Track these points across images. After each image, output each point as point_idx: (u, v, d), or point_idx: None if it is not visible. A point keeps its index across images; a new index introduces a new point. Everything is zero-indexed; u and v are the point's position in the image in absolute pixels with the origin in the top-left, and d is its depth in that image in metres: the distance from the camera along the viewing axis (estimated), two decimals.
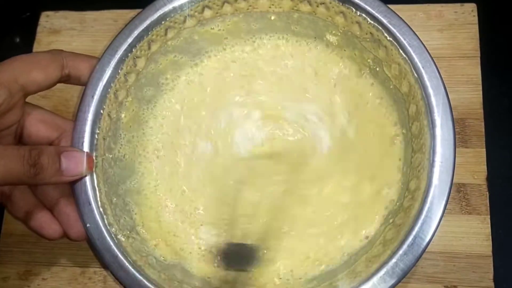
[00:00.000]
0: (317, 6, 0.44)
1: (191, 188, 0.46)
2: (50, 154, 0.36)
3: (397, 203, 0.42)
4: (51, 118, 0.41)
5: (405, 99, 0.42)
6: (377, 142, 0.44)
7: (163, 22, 0.44)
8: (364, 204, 0.43)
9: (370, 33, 0.43)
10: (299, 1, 0.44)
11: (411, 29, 0.41)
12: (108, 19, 0.54)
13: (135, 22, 0.43)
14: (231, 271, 0.43)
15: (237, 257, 0.43)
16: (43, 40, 0.54)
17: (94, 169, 0.40)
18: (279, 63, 0.48)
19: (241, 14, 0.46)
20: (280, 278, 0.43)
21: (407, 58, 0.41)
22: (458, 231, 0.45)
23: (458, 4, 0.50)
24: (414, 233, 0.37)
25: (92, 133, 0.41)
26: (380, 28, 0.42)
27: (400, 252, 0.37)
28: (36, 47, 0.54)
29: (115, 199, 0.42)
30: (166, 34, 0.45)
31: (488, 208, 0.45)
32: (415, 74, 0.40)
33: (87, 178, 0.40)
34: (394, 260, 0.37)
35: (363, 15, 0.42)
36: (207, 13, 0.45)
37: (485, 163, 0.46)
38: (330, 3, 0.43)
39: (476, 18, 0.49)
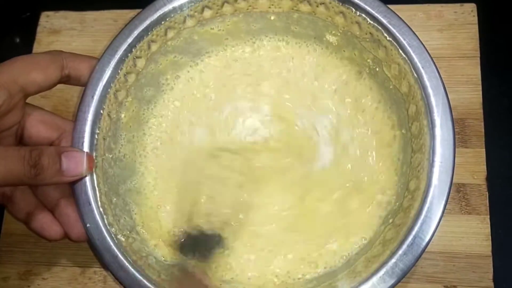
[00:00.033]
0: (317, 6, 0.44)
1: (191, 187, 0.46)
2: (50, 154, 0.36)
3: (396, 204, 0.42)
4: (51, 119, 0.41)
5: (404, 99, 0.42)
6: (373, 147, 0.45)
7: (163, 22, 0.44)
8: (353, 212, 0.43)
9: (370, 33, 0.43)
10: (299, 1, 0.44)
11: (410, 29, 0.41)
12: (108, 19, 0.54)
13: (135, 22, 0.43)
14: (191, 259, 0.43)
15: (197, 244, 0.43)
16: (43, 40, 0.54)
17: (94, 169, 0.40)
18: (280, 65, 0.48)
19: (241, 14, 0.46)
20: (278, 278, 0.43)
21: (406, 58, 0.41)
22: (458, 231, 0.45)
23: (458, 4, 0.50)
24: (413, 233, 0.37)
25: (92, 133, 0.41)
26: (380, 28, 0.42)
27: (400, 252, 0.37)
28: (36, 47, 0.54)
29: (115, 199, 0.42)
30: (166, 34, 0.45)
31: (488, 208, 0.45)
32: (415, 74, 0.40)
33: (87, 178, 0.40)
34: (393, 260, 0.37)
35: (363, 15, 0.42)
36: (207, 13, 0.45)
37: (485, 163, 0.46)
38: (330, 3, 0.43)
39: (476, 18, 0.49)
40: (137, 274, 0.39)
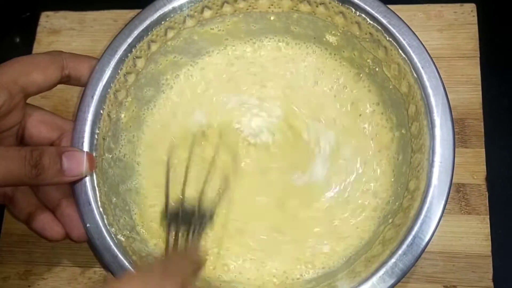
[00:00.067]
0: (317, 6, 0.44)
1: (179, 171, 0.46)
2: (51, 154, 0.37)
3: (395, 204, 0.42)
4: (51, 119, 0.41)
5: (404, 100, 0.42)
6: (369, 151, 0.45)
7: (163, 22, 0.44)
8: (342, 219, 0.44)
9: (370, 33, 0.43)
10: (299, 1, 0.44)
11: (410, 29, 0.41)
12: (108, 19, 0.54)
13: (135, 22, 0.43)
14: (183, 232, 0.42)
15: (184, 217, 0.43)
16: (43, 40, 0.54)
17: (94, 169, 0.40)
18: (282, 66, 0.48)
19: (241, 14, 0.46)
20: (277, 278, 0.43)
21: (406, 58, 0.41)
22: (458, 231, 0.45)
23: (458, 4, 0.50)
24: (413, 233, 0.37)
25: (92, 133, 0.41)
26: (380, 28, 0.42)
27: (400, 252, 0.37)
28: (36, 47, 0.54)
29: (115, 199, 0.42)
30: (166, 34, 0.45)
31: (488, 208, 0.45)
32: (415, 74, 0.41)
33: (87, 179, 0.40)
34: (393, 260, 0.37)
35: (363, 15, 0.42)
36: (207, 13, 0.45)
37: (485, 163, 0.46)
38: (330, 3, 0.43)
39: (476, 18, 0.49)
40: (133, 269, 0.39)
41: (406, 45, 0.41)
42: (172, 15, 0.44)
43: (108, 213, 0.41)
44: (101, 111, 0.42)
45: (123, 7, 0.53)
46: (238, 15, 0.46)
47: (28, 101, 0.39)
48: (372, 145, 0.45)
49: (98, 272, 0.47)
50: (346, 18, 0.43)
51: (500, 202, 0.46)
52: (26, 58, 0.39)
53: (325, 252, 0.43)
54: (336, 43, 0.46)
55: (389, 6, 0.42)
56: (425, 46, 0.41)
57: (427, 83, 0.40)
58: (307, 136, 0.46)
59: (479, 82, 0.48)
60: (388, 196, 0.43)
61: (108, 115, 0.43)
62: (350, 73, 0.46)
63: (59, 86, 0.41)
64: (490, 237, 0.44)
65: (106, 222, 0.40)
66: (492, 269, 0.44)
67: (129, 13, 0.53)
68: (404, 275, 0.37)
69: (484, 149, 0.46)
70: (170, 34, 0.45)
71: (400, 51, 0.41)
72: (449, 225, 0.44)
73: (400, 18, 0.42)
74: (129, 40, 0.43)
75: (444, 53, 0.49)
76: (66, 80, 0.41)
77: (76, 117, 0.41)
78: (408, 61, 0.41)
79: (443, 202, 0.38)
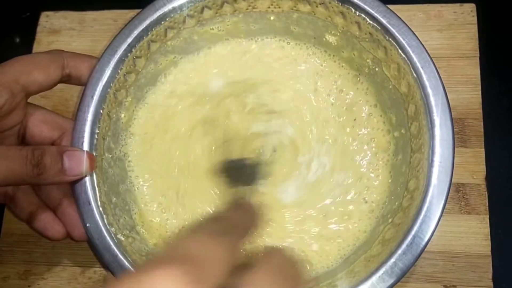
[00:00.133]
0: (317, 6, 0.44)
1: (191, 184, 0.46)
2: (52, 154, 0.37)
3: (395, 204, 0.42)
4: (52, 118, 0.41)
5: (404, 99, 0.42)
6: (365, 158, 0.45)
7: (162, 22, 0.44)
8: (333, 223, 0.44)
9: (369, 33, 0.43)
10: (299, 1, 0.44)
11: (410, 29, 0.41)
12: (108, 19, 0.54)
13: (135, 22, 0.43)
14: (238, 187, 0.43)
15: (241, 172, 0.44)
16: (43, 40, 0.54)
17: (94, 169, 0.41)
18: (283, 67, 0.48)
19: (241, 14, 0.46)
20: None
21: (406, 58, 0.41)
22: (457, 230, 0.45)
23: (458, 4, 0.50)
24: (413, 232, 0.37)
25: (92, 133, 0.41)
26: (379, 28, 0.42)
27: (399, 251, 0.37)
28: (36, 47, 0.54)
29: (114, 198, 0.42)
30: (165, 34, 0.45)
31: (487, 208, 0.45)
32: (414, 74, 0.41)
33: (87, 178, 0.40)
34: (393, 259, 0.37)
35: (362, 15, 0.42)
36: (207, 13, 0.45)
37: (484, 163, 0.46)
38: (330, 3, 0.43)
39: (475, 18, 0.49)
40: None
41: (405, 45, 0.41)
42: (172, 15, 0.44)
43: (108, 213, 0.41)
44: (101, 111, 0.42)
45: (123, 7, 0.53)
46: (238, 15, 0.46)
47: (28, 100, 0.39)
48: (367, 150, 0.45)
49: (98, 272, 0.47)
50: (346, 18, 0.43)
51: (500, 202, 0.46)
52: (27, 57, 0.39)
53: (315, 251, 0.43)
54: (335, 43, 0.46)
55: (388, 6, 0.42)
56: (425, 46, 0.41)
57: (427, 83, 0.40)
58: (302, 158, 0.45)
59: (479, 82, 0.48)
60: (384, 197, 0.43)
61: (108, 115, 0.43)
62: (349, 75, 0.46)
63: (59, 86, 0.41)
64: (489, 236, 0.44)
65: (106, 221, 0.40)
66: (491, 268, 0.44)
67: (129, 13, 0.53)
68: (403, 275, 0.37)
69: (483, 149, 0.46)
70: (170, 34, 0.45)
71: (400, 51, 0.41)
72: (449, 225, 0.45)
73: (400, 18, 0.42)
74: (129, 40, 0.43)
75: (444, 53, 0.49)
76: (67, 79, 0.41)
77: (76, 117, 0.41)
78: (408, 61, 0.41)
79: (442, 202, 0.38)
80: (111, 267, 0.39)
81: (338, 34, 0.45)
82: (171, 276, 0.22)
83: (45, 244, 0.47)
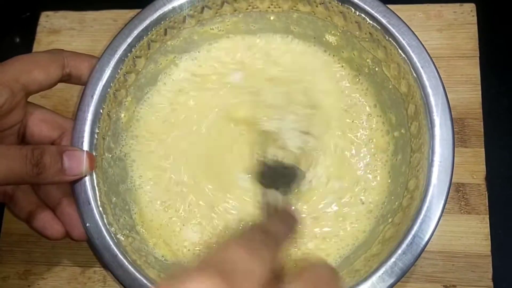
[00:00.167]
0: (316, 6, 0.44)
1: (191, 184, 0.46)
2: (52, 153, 0.37)
3: (395, 204, 0.42)
4: (52, 118, 0.41)
5: (404, 99, 0.42)
6: (365, 155, 0.45)
7: (162, 22, 0.44)
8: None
9: (369, 33, 0.43)
10: (299, 0, 0.44)
11: (410, 29, 0.41)
12: (108, 19, 0.54)
13: (135, 22, 0.43)
14: (278, 190, 0.43)
15: (279, 175, 0.43)
16: (43, 40, 0.54)
17: (94, 169, 0.40)
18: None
19: (241, 14, 0.46)
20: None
21: (406, 58, 0.41)
22: (457, 230, 0.45)
23: (457, 4, 0.50)
24: (413, 232, 0.37)
25: (92, 132, 0.41)
26: (379, 28, 0.42)
27: (399, 251, 0.37)
28: (36, 47, 0.54)
29: (114, 198, 0.42)
30: (165, 34, 0.45)
31: (487, 207, 0.45)
32: (414, 74, 0.41)
33: (87, 178, 0.40)
34: (393, 259, 0.37)
35: (362, 15, 0.42)
36: (207, 13, 0.45)
37: (484, 163, 0.46)
38: (330, 3, 0.43)
39: (475, 18, 0.49)
40: (136, 274, 0.39)
41: (405, 44, 0.41)
42: (172, 15, 0.44)
43: (107, 213, 0.41)
44: (101, 111, 0.42)
45: (123, 7, 0.53)
46: (238, 15, 0.46)
47: (28, 100, 0.39)
48: (366, 151, 0.45)
49: (98, 272, 0.47)
50: (346, 18, 0.43)
51: (500, 201, 0.46)
52: (27, 57, 0.39)
53: (311, 249, 0.43)
54: (335, 43, 0.46)
55: (388, 6, 0.42)
56: (425, 45, 0.41)
57: (427, 83, 0.40)
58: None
59: (479, 81, 0.48)
60: (384, 197, 0.43)
61: (108, 115, 0.43)
62: (349, 76, 0.46)
63: (58, 85, 0.41)
64: (489, 236, 0.44)
65: (105, 221, 0.40)
66: (491, 268, 0.44)
67: (129, 13, 0.53)
68: (403, 275, 0.37)
69: (483, 149, 0.46)
70: (170, 34, 0.45)
71: (400, 51, 0.41)
72: (449, 225, 0.45)
73: (400, 18, 0.42)
74: (129, 40, 0.43)
75: (444, 53, 0.49)
76: (67, 78, 0.41)
77: (76, 117, 0.41)
78: (408, 61, 0.41)
79: (442, 202, 0.38)
80: (111, 267, 0.39)
81: (338, 34, 0.45)
82: (209, 284, 0.23)
83: (45, 244, 0.47)
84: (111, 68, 0.42)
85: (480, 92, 0.47)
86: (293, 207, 0.42)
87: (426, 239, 0.37)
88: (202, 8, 0.45)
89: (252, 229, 0.31)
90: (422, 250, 0.37)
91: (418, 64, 0.40)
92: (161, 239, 0.44)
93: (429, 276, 0.44)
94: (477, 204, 0.45)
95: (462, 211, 0.45)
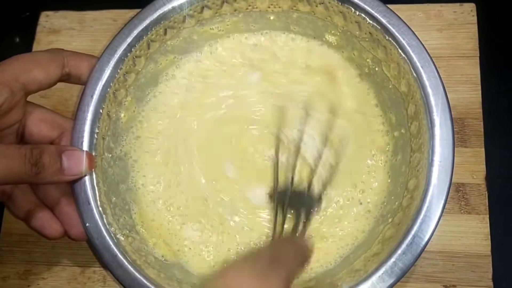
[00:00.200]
0: (316, 6, 0.44)
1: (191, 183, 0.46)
2: (51, 153, 0.37)
3: (395, 204, 0.42)
4: (52, 117, 0.41)
5: (404, 99, 0.42)
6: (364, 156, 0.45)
7: (162, 22, 0.44)
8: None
9: (369, 33, 0.43)
10: (298, 0, 0.44)
11: (410, 28, 0.41)
12: (108, 19, 0.54)
13: (135, 22, 0.43)
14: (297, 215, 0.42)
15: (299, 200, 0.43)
16: (43, 40, 0.54)
17: (94, 169, 0.40)
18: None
19: (240, 14, 0.46)
20: None
21: (406, 58, 0.41)
22: (457, 230, 0.45)
23: (457, 4, 0.50)
24: (413, 232, 0.37)
25: (92, 132, 0.41)
26: (379, 27, 0.42)
27: (399, 251, 0.37)
28: (35, 47, 0.54)
29: (114, 198, 0.42)
30: (165, 34, 0.45)
31: (487, 207, 0.45)
32: (414, 74, 0.41)
33: (87, 178, 0.40)
34: (393, 259, 0.37)
35: (362, 15, 0.42)
36: (206, 13, 0.45)
37: (484, 163, 0.46)
38: (329, 2, 0.43)
39: (475, 18, 0.49)
40: (136, 273, 0.39)
41: (405, 44, 0.41)
42: (171, 15, 0.44)
43: (107, 213, 0.41)
44: (101, 111, 0.42)
45: (123, 6, 0.53)
46: (237, 15, 0.46)
47: (28, 99, 0.39)
48: (365, 152, 0.45)
49: (98, 272, 0.47)
50: (346, 17, 0.43)
51: (500, 201, 0.46)
52: (27, 56, 0.39)
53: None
54: (335, 43, 0.46)
55: (388, 5, 0.42)
56: (425, 45, 0.41)
57: (427, 83, 0.40)
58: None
59: (479, 81, 0.48)
60: (383, 197, 0.43)
61: (108, 115, 0.43)
62: (353, 75, 0.46)
63: (58, 85, 0.40)
64: (489, 236, 0.44)
65: (105, 221, 0.40)
66: (491, 268, 0.44)
67: (128, 13, 0.53)
68: (403, 275, 0.37)
69: (483, 149, 0.46)
70: (170, 33, 0.45)
71: (400, 51, 0.41)
72: (449, 225, 0.44)
73: (400, 17, 0.42)
74: (129, 39, 0.43)
75: (444, 53, 0.49)
76: (66, 78, 0.41)
77: (75, 116, 0.41)
78: (408, 61, 0.41)
79: (442, 202, 0.38)
80: (111, 267, 0.39)
81: (338, 33, 0.45)
82: None
83: (45, 244, 0.47)
84: (110, 68, 0.42)
85: (480, 92, 0.47)
86: (306, 235, 0.42)
87: (426, 239, 0.37)
88: (202, 8, 0.45)
89: (264, 255, 0.30)
90: (422, 250, 0.37)
91: (418, 64, 0.40)
92: (161, 239, 0.44)
93: (429, 276, 0.44)
94: (477, 204, 0.45)
95: (462, 211, 0.45)
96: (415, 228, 0.37)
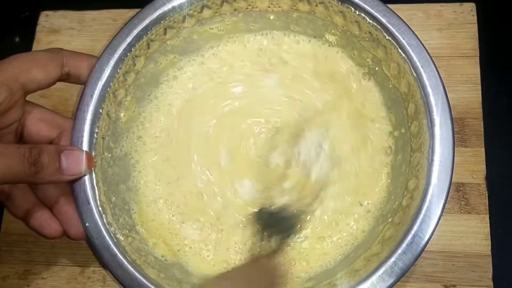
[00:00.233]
0: (316, 6, 0.44)
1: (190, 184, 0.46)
2: (50, 153, 0.36)
3: (395, 204, 0.42)
4: (51, 117, 0.41)
5: (404, 99, 0.42)
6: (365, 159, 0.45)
7: (162, 22, 0.44)
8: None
9: (369, 32, 0.43)
10: (298, 0, 0.44)
11: (410, 28, 0.41)
12: (107, 19, 0.54)
13: (134, 22, 0.43)
14: (272, 238, 0.42)
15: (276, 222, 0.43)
16: (43, 40, 0.54)
17: (93, 168, 0.40)
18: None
19: (240, 14, 0.46)
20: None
21: (406, 58, 0.41)
22: (457, 230, 0.45)
23: (457, 4, 0.50)
24: (413, 232, 0.37)
25: (91, 132, 0.41)
26: (379, 27, 0.42)
27: (399, 251, 0.37)
28: (35, 47, 0.54)
29: (114, 198, 0.42)
30: (165, 33, 0.45)
31: (487, 207, 0.45)
32: (414, 74, 0.40)
33: (86, 177, 0.40)
34: (393, 259, 0.37)
35: (362, 14, 0.42)
36: (206, 12, 0.45)
37: (484, 163, 0.46)
38: (329, 2, 0.43)
39: (475, 17, 0.49)
40: (136, 273, 0.39)
41: (405, 44, 0.41)
42: (171, 14, 0.44)
43: (107, 212, 0.41)
44: (101, 110, 0.42)
45: (123, 6, 0.53)
46: (237, 15, 0.46)
47: (27, 99, 0.39)
48: (363, 154, 0.45)
49: (98, 272, 0.47)
50: (346, 17, 0.43)
51: (500, 201, 0.46)
52: (26, 55, 0.39)
53: (309, 249, 0.43)
54: (335, 43, 0.46)
55: (388, 5, 0.42)
56: (425, 45, 0.41)
57: (427, 82, 0.40)
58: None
59: (479, 81, 0.48)
60: (383, 197, 0.43)
61: (108, 114, 0.43)
62: (359, 73, 0.46)
63: (58, 85, 0.40)
64: (489, 236, 0.44)
65: (105, 221, 0.40)
66: (491, 268, 0.44)
67: (128, 13, 0.53)
68: (403, 274, 0.37)
69: (483, 148, 0.46)
70: (170, 33, 0.45)
71: (400, 50, 0.41)
72: (449, 224, 0.44)
73: (400, 17, 0.42)
74: (128, 39, 0.43)
75: (444, 52, 0.49)
76: (66, 77, 0.40)
77: (75, 116, 0.41)
78: (408, 60, 0.41)
79: (442, 201, 0.38)
80: (110, 267, 0.39)
81: (338, 33, 0.45)
82: None
83: (44, 243, 0.47)
84: (110, 68, 0.42)
85: (480, 92, 0.47)
86: (280, 262, 0.42)
87: (426, 238, 0.37)
88: (202, 8, 0.45)
89: (234, 277, 0.31)
90: (422, 249, 0.37)
91: (418, 64, 0.40)
92: (161, 239, 0.44)
93: (429, 276, 0.44)
94: (477, 203, 0.45)
95: (462, 211, 0.45)
96: (415, 227, 0.37)
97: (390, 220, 0.41)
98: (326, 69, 0.47)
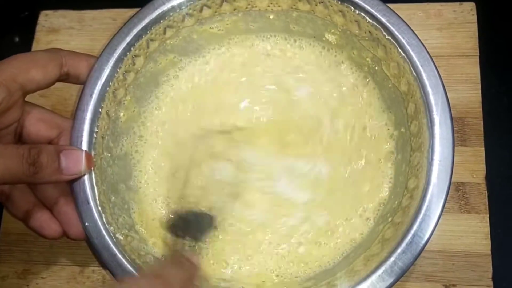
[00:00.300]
0: (316, 5, 0.44)
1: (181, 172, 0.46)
2: (49, 152, 0.36)
3: (395, 203, 0.42)
4: (50, 117, 0.41)
5: (403, 98, 0.42)
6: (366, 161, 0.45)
7: (161, 21, 0.44)
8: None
9: (369, 31, 0.43)
10: None
11: (410, 28, 0.41)
12: (107, 18, 0.54)
13: (134, 21, 0.43)
14: (183, 240, 0.42)
15: (188, 225, 0.43)
16: (42, 39, 0.54)
17: (92, 168, 0.40)
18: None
19: (240, 13, 0.46)
20: (278, 276, 0.43)
21: (406, 57, 0.41)
22: (457, 230, 0.45)
23: (457, 3, 0.50)
24: (412, 231, 0.37)
25: (91, 132, 0.41)
26: (379, 26, 0.42)
27: (399, 250, 0.37)
28: (35, 46, 0.54)
29: (113, 197, 0.42)
30: (165, 33, 0.45)
31: (487, 207, 0.45)
32: (414, 73, 0.40)
33: (86, 177, 0.40)
34: (392, 258, 0.37)
35: (362, 13, 0.42)
36: (206, 12, 0.45)
37: (484, 162, 0.46)
38: (329, 1, 0.43)
39: (475, 17, 0.49)
40: (135, 273, 0.39)
41: (405, 43, 0.41)
42: (171, 14, 0.44)
43: (106, 212, 0.41)
44: (100, 110, 0.42)
45: (122, 6, 0.53)
46: (237, 14, 0.46)
47: (27, 99, 0.39)
48: (363, 155, 0.45)
49: (97, 271, 0.47)
50: (345, 16, 0.43)
51: (500, 201, 0.46)
52: (25, 55, 0.39)
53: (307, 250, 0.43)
54: (335, 42, 0.46)
55: (388, 4, 0.42)
56: (425, 44, 0.41)
57: (427, 82, 0.40)
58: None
59: (479, 80, 0.48)
60: (382, 197, 0.43)
61: (107, 114, 0.43)
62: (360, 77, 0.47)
63: (57, 85, 0.40)
64: (489, 236, 0.44)
65: (104, 220, 0.40)
66: (491, 268, 0.43)
67: (128, 12, 0.53)
68: (403, 274, 0.37)
69: (483, 148, 0.46)
70: (169, 32, 0.45)
71: (400, 50, 0.41)
72: (449, 224, 0.44)
73: (400, 16, 0.42)
74: (128, 39, 0.43)
75: (444, 52, 0.49)
76: (65, 77, 0.40)
77: (74, 116, 0.41)
78: (408, 60, 0.41)
79: (442, 201, 0.38)
80: (110, 266, 0.39)
81: (338, 33, 0.45)
82: None
83: (44, 243, 0.47)
84: (110, 67, 0.42)
85: (480, 91, 0.47)
86: (196, 256, 0.42)
87: (425, 238, 0.37)
88: (202, 7, 0.45)
89: (149, 276, 0.34)
90: (422, 249, 0.37)
91: (418, 63, 0.40)
92: (160, 239, 0.44)
93: (429, 276, 0.44)
94: (477, 203, 0.45)
95: (462, 211, 0.45)
96: (414, 227, 0.37)
97: (390, 219, 0.41)
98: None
